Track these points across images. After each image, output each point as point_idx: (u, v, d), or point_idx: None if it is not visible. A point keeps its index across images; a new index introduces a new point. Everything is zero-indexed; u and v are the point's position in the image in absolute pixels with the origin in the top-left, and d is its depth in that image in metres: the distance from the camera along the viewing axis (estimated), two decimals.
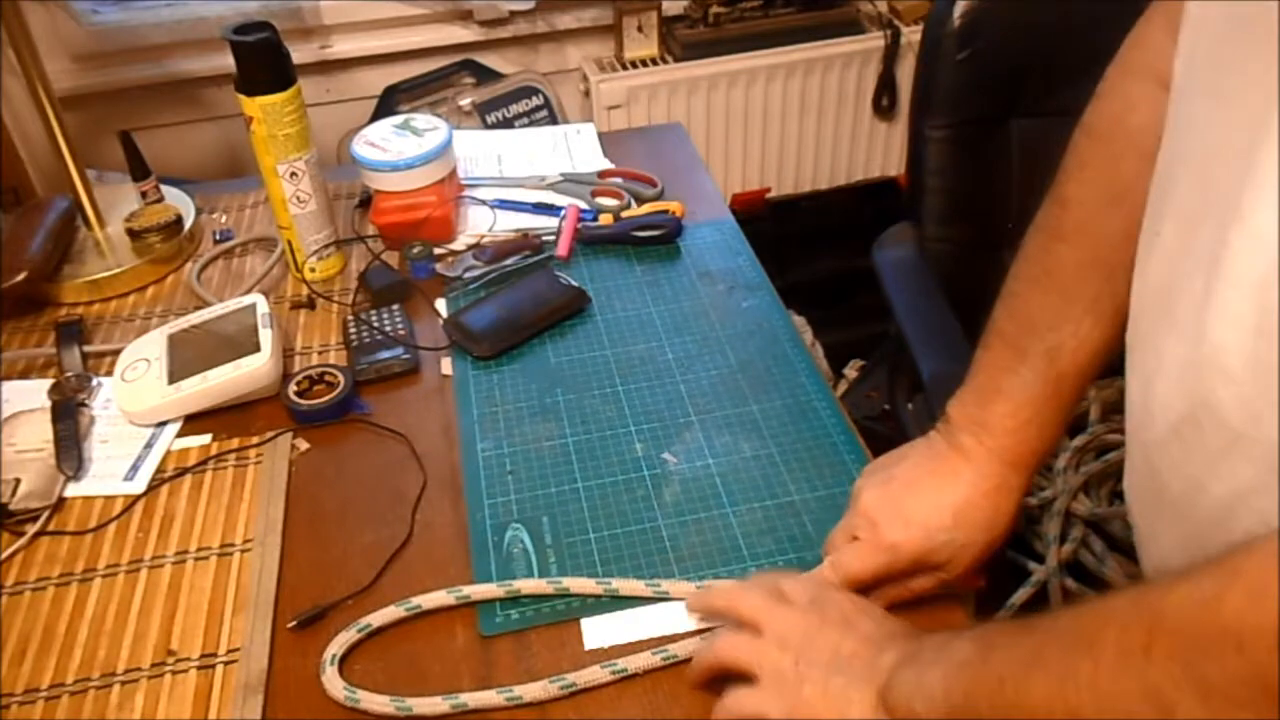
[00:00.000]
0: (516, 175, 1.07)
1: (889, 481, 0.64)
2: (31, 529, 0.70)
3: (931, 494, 0.62)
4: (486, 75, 1.80)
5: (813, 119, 1.94)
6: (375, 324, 0.85)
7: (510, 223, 1.00)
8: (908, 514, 0.61)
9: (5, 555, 0.68)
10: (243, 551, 0.68)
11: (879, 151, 2.02)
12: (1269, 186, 0.42)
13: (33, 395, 0.80)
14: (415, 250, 0.93)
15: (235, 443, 0.76)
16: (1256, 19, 0.44)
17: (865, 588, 0.61)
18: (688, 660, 0.59)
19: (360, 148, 0.95)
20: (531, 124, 1.81)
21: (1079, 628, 0.42)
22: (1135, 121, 0.62)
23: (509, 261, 0.93)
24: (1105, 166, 0.64)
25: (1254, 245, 0.43)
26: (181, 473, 0.74)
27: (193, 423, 0.78)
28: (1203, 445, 0.48)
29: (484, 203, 1.02)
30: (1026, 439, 0.62)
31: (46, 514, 0.71)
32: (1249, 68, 0.45)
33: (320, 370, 0.80)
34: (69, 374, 0.82)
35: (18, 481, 0.72)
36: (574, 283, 0.89)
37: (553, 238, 0.96)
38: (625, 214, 0.99)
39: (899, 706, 0.49)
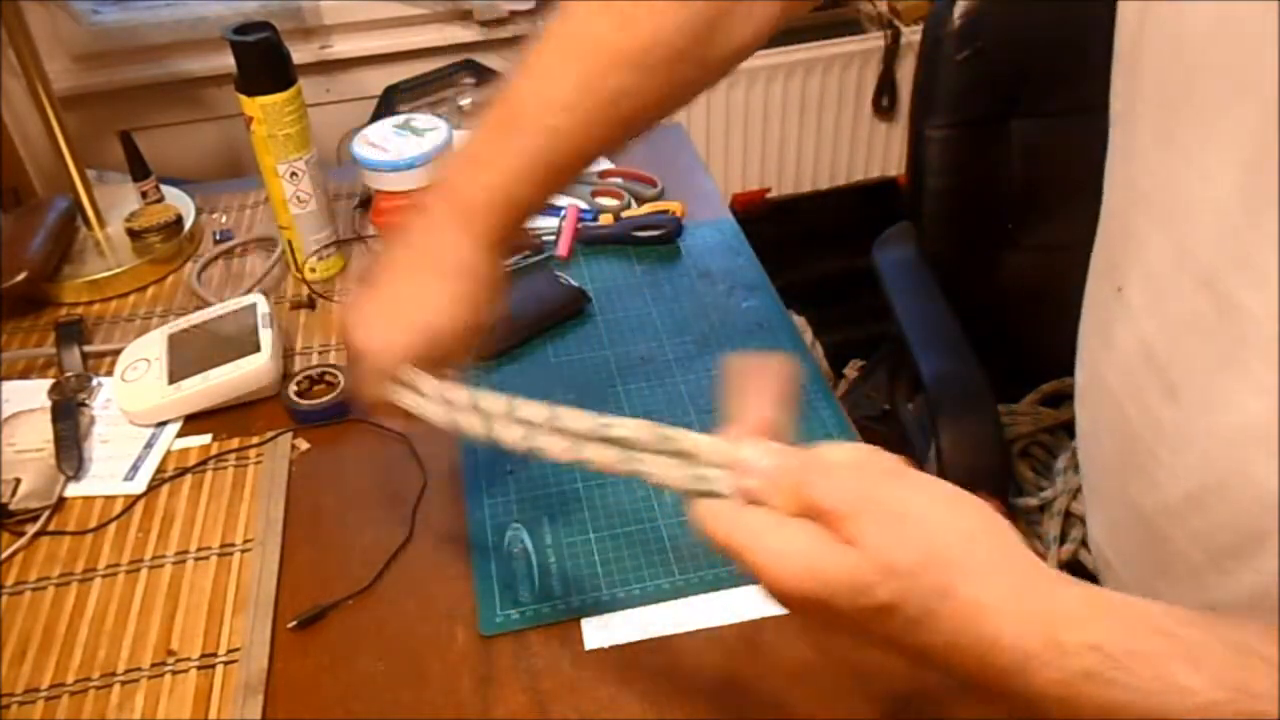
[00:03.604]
0: None
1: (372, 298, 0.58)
2: (31, 529, 0.69)
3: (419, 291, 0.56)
4: (487, 75, 1.80)
5: (813, 119, 1.94)
6: None
7: None
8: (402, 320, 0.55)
9: (5, 555, 0.68)
10: (243, 551, 0.68)
11: (879, 151, 2.02)
12: None
13: (33, 395, 0.80)
14: None
15: (235, 443, 0.76)
16: (1218, 67, 0.43)
17: None
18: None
19: (360, 148, 0.95)
20: None
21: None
22: None
23: (509, 261, 0.93)
24: None
25: (1277, 310, 0.41)
26: (181, 473, 0.74)
27: (193, 423, 0.78)
28: (1234, 516, 0.46)
29: None
30: (496, 208, 0.57)
31: (46, 514, 0.70)
32: (1216, 119, 0.43)
33: (320, 370, 0.80)
34: (69, 374, 0.82)
35: (18, 481, 0.72)
36: (574, 283, 0.89)
37: (553, 238, 0.96)
38: (625, 214, 0.99)
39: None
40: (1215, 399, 0.45)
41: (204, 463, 0.75)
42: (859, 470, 0.38)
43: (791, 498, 0.38)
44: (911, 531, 0.36)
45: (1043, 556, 0.93)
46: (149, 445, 0.76)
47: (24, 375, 0.84)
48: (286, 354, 0.84)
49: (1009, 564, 0.36)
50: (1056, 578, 0.36)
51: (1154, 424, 0.50)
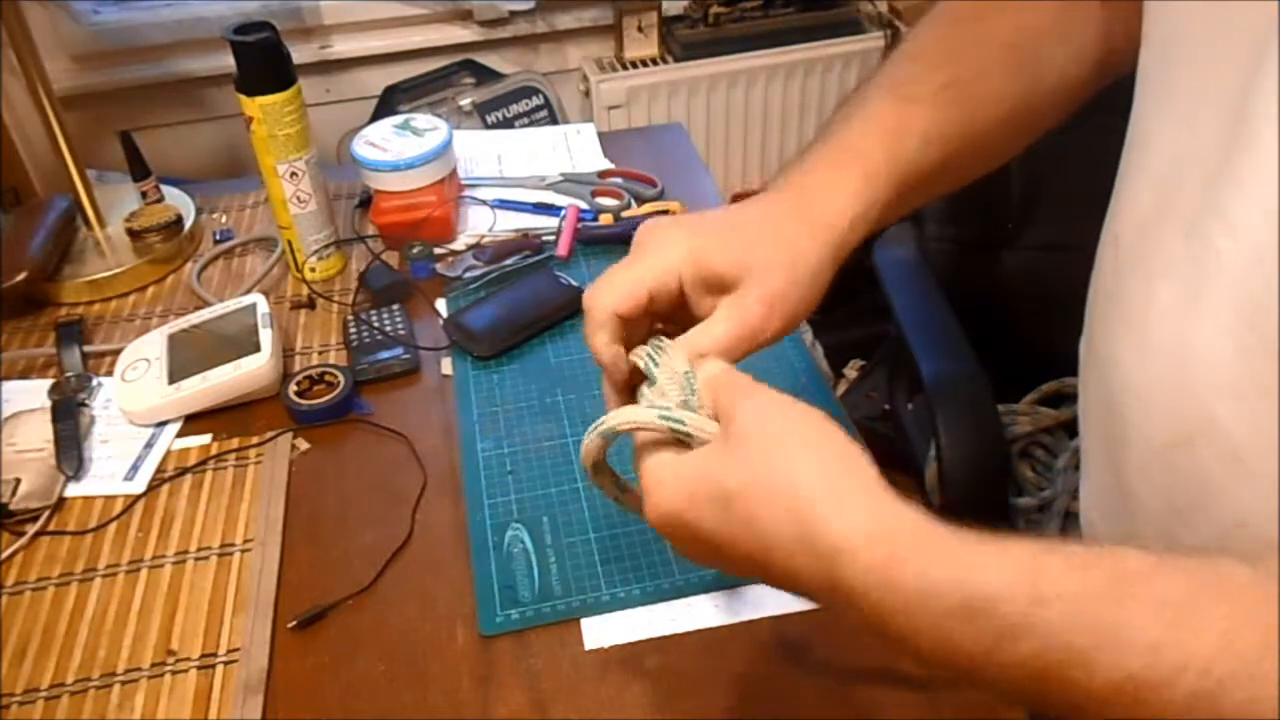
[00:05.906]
0: (516, 175, 1.07)
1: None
2: (31, 529, 0.70)
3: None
4: (486, 75, 1.80)
5: (813, 119, 1.94)
6: (375, 324, 0.85)
7: (510, 223, 1.00)
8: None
9: (5, 555, 0.68)
10: (243, 551, 0.68)
11: None
12: (1259, 194, 0.40)
13: (33, 395, 0.80)
14: (415, 250, 0.93)
15: (235, 443, 0.76)
16: (1205, 19, 0.44)
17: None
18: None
19: (360, 148, 0.95)
20: (531, 124, 1.82)
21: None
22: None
23: (509, 261, 0.93)
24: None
25: (1247, 256, 0.41)
26: (181, 473, 0.74)
27: (193, 423, 0.78)
28: (1198, 469, 0.46)
29: (484, 203, 1.02)
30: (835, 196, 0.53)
31: (46, 514, 0.71)
32: (1206, 64, 0.44)
33: (320, 370, 0.80)
34: (69, 374, 0.82)
35: (18, 481, 0.72)
36: (574, 283, 0.89)
37: (553, 238, 0.96)
38: (625, 214, 0.99)
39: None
40: (1183, 348, 0.45)
41: (204, 463, 0.75)
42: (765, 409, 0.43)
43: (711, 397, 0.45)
44: (771, 441, 0.41)
45: None
46: (149, 445, 0.77)
47: (24, 375, 0.84)
48: (286, 354, 0.84)
49: (855, 485, 0.39)
50: (899, 506, 0.39)
51: (1127, 377, 0.50)
